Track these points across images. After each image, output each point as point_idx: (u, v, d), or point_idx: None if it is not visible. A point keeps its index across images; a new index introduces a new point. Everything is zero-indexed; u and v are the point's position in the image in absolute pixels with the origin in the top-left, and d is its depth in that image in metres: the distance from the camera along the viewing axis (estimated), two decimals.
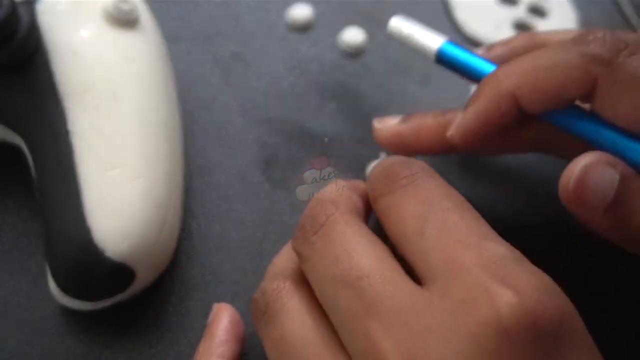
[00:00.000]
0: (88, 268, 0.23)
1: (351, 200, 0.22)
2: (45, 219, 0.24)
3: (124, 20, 0.27)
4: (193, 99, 0.32)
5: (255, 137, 0.31)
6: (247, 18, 0.36)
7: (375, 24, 0.36)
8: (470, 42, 0.36)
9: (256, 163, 0.30)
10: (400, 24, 0.29)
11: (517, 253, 0.18)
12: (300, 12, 0.36)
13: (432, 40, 0.27)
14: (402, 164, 0.21)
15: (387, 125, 0.27)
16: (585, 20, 0.38)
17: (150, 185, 0.25)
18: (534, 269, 0.18)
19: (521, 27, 0.37)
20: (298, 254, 0.21)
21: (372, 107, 0.33)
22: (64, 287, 0.24)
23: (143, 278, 0.24)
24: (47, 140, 0.25)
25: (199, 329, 0.25)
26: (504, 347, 0.16)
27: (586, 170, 0.20)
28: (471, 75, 0.26)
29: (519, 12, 0.38)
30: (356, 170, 0.30)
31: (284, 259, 0.23)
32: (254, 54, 0.34)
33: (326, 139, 0.31)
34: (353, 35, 0.35)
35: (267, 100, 0.33)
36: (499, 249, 0.18)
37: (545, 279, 0.18)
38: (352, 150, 0.31)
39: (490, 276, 0.17)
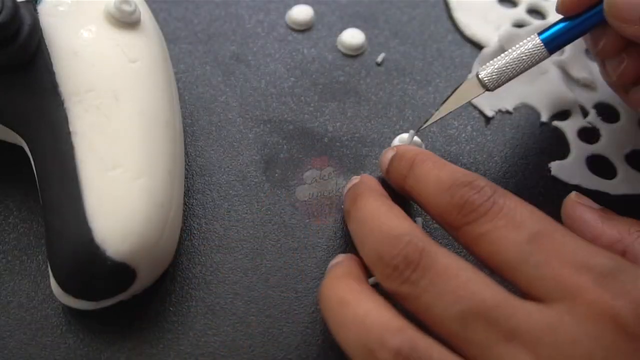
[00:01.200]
0: (89, 268, 0.23)
1: (418, 226, 0.23)
2: (46, 219, 0.24)
3: (125, 21, 0.27)
4: (194, 99, 0.32)
5: (255, 137, 0.31)
6: (248, 18, 0.36)
7: (375, 24, 0.36)
8: (471, 43, 0.36)
9: (256, 163, 0.30)
10: (486, 69, 0.28)
11: (620, 261, 0.20)
12: (301, 13, 0.36)
13: (529, 44, 0.28)
14: (470, 187, 0.22)
15: None
16: None
17: (152, 185, 0.25)
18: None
19: (521, 27, 0.37)
20: (396, 293, 0.21)
21: (372, 107, 0.33)
22: (65, 287, 0.24)
23: (144, 278, 0.25)
24: (48, 141, 0.25)
25: (199, 329, 0.26)
26: (632, 347, 0.19)
27: None
28: (583, 31, 0.28)
29: (519, 12, 0.38)
30: (356, 170, 0.31)
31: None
32: (254, 54, 0.34)
33: (326, 139, 0.32)
34: (353, 36, 0.35)
35: (267, 101, 0.33)
36: (604, 262, 0.20)
37: None
38: (352, 150, 0.31)
39: (607, 292, 0.19)
